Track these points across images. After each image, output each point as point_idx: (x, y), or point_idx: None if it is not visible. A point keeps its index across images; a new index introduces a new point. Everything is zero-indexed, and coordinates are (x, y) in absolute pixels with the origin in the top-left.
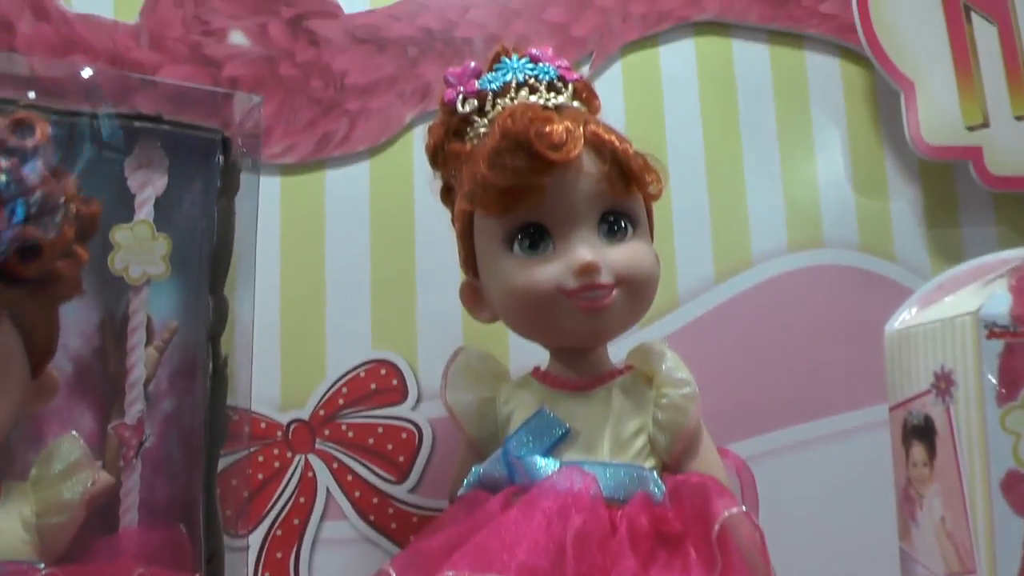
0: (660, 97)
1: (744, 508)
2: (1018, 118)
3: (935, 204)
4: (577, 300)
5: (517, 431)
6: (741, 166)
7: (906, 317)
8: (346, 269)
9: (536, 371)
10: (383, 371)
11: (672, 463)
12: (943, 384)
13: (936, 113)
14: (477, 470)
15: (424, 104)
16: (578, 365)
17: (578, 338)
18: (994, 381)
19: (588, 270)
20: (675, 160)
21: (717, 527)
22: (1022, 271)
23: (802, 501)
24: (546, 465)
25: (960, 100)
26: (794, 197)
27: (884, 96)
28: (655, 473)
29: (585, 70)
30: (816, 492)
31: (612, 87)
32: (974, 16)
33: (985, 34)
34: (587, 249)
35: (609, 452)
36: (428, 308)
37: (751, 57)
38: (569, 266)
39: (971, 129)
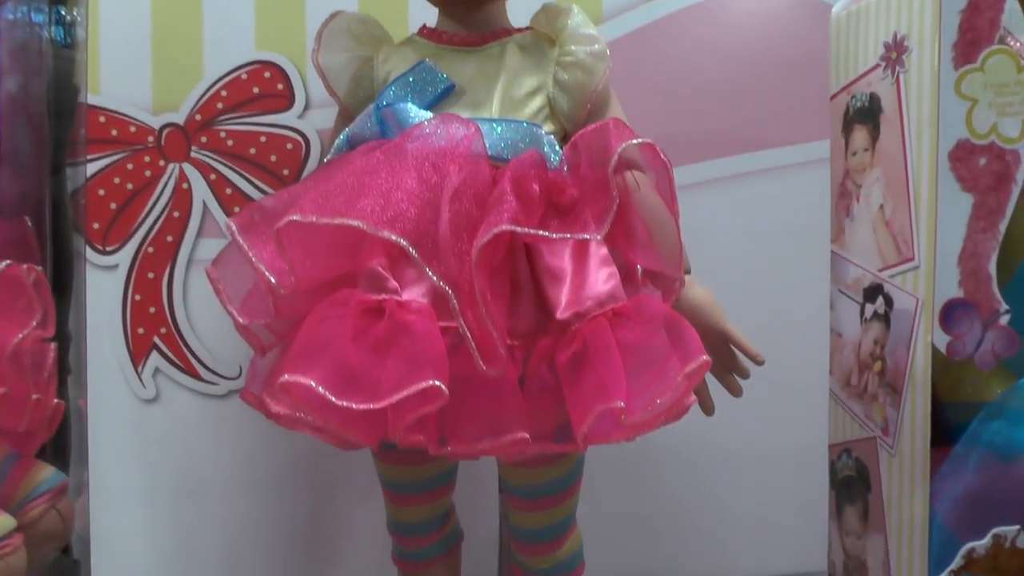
0: None
1: (648, 140)
2: None
3: None
4: None
5: (392, 82)
6: None
7: None
8: None
9: (422, 29)
10: (267, 74)
11: (574, 132)
12: (895, 53)
13: None
14: (346, 133)
15: None
16: (469, 19)
17: None
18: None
19: None
20: None
21: (614, 159)
22: None
23: (731, 237)
24: (422, 115)
25: None
26: None
27: None
28: (552, 137)
29: None
30: (747, 228)
31: None
32: None
33: None
34: None
35: (499, 110)
36: (320, 4)
37: None
38: None
39: None
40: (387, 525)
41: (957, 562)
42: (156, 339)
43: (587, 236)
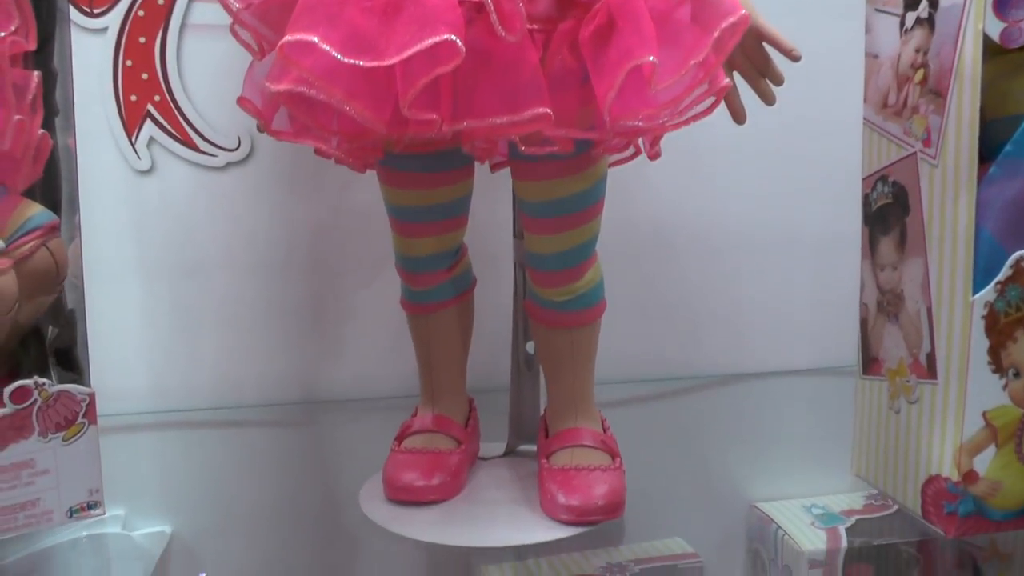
0: None
1: None
2: None
3: None
4: None
5: None
6: None
7: None
8: None
9: None
10: None
11: None
12: None
13: None
14: None
15: None
16: None
17: None
18: None
19: None
20: None
21: None
22: None
23: None
24: None
25: None
26: None
27: None
28: None
29: None
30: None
31: None
32: None
33: None
34: None
35: None
36: None
37: None
38: None
39: None
40: (395, 264)
41: (1005, 272)
42: (150, 107)
43: None
